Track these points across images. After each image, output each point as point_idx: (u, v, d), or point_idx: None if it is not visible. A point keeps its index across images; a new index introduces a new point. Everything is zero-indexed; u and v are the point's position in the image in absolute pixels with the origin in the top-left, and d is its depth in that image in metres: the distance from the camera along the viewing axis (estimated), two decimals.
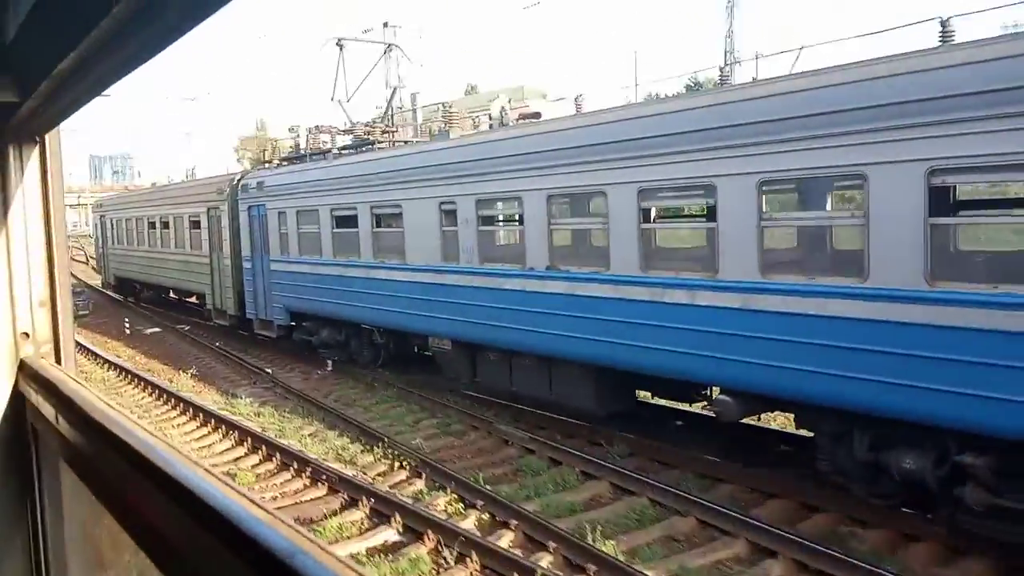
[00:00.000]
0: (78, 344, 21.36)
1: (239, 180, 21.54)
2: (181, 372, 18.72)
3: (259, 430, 13.19)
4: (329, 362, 17.65)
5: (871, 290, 7.81)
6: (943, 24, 9.54)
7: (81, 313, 28.88)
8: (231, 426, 13.44)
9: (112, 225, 34.48)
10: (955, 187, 7.97)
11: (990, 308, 7.00)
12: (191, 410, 14.88)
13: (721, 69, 11.68)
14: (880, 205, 7.65)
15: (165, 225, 27.24)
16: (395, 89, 18.82)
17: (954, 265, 7.84)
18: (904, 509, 8.79)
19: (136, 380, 18.04)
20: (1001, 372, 6.96)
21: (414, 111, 32.45)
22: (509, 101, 12.28)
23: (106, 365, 20.04)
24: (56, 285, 2.50)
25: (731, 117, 9.01)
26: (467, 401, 14.45)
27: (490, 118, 13.89)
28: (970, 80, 6.96)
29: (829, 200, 9.64)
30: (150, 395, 16.84)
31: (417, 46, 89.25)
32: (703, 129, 9.25)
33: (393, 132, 18.61)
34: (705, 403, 11.26)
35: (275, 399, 15.96)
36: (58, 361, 2.48)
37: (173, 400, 15.82)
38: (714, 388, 10.52)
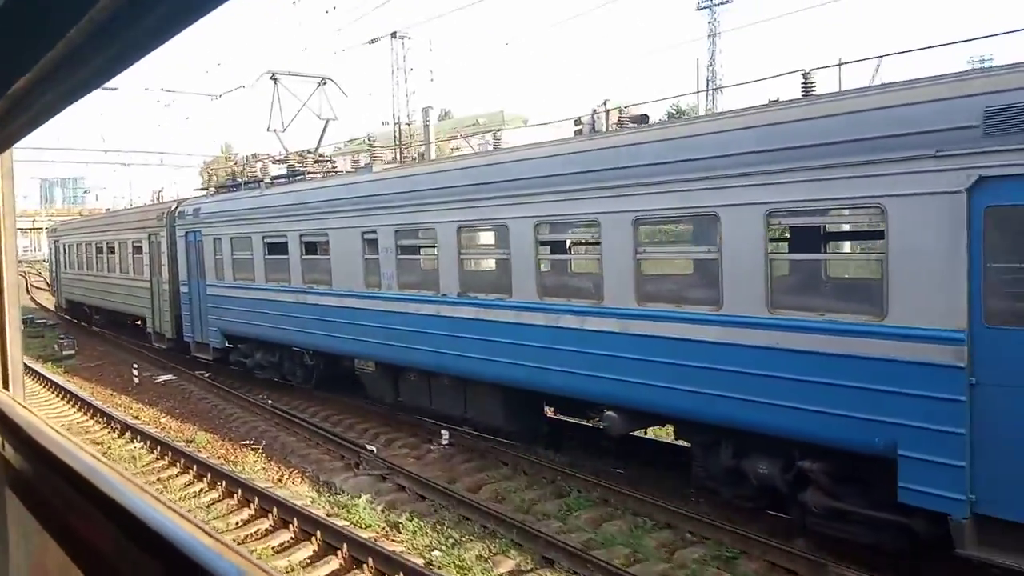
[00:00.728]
0: (82, 401, 18.02)
1: (176, 207, 22.07)
2: (237, 446, 14.19)
3: (420, 563, 8.71)
4: (445, 434, 13.75)
5: (724, 317, 8.83)
6: (804, 76, 10.72)
7: (66, 354, 25.68)
8: (380, 558, 8.77)
9: (64, 250, 35.06)
10: (792, 227, 9.04)
11: (816, 333, 8.05)
12: (294, 521, 10.08)
13: (620, 111, 12.69)
14: (730, 241, 8.68)
15: (111, 250, 27.75)
16: (327, 121, 19.44)
17: (789, 295, 8.89)
18: (770, 512, 9.80)
19: (181, 460, 13.27)
20: (826, 389, 7.99)
21: (426, 126, 32.03)
22: (604, 103, 12.20)
23: (128, 434, 15.30)
24: (5, 308, 2.40)
25: (612, 161, 10.01)
26: (718, 511, 9.99)
27: (577, 122, 13.36)
28: (792, 136, 8.05)
29: (693, 236, 10.67)
30: (211, 487, 12.00)
31: (427, 58, 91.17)
32: (589, 171, 10.23)
33: (325, 162, 19.33)
34: (596, 419, 12.18)
35: (402, 497, 11.48)
36: (5, 386, 2.38)
37: (256, 500, 10.94)
38: None
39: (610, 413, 10.62)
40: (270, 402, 17.58)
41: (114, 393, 19.86)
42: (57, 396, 19.57)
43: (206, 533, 0.96)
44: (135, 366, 22.17)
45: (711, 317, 8.98)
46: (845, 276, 9.84)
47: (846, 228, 10.62)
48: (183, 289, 21.40)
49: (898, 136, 7.25)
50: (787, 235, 9.71)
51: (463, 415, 13.51)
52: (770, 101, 10.45)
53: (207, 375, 21.19)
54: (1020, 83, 6.59)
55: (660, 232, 10.99)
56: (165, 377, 21.79)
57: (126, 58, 1.12)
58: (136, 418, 16.84)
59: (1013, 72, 6.70)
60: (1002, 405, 6.81)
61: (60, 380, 20.68)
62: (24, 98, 1.45)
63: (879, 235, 7.63)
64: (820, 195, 7.95)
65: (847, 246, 11.07)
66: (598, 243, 10.31)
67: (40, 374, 21.33)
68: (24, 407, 1.91)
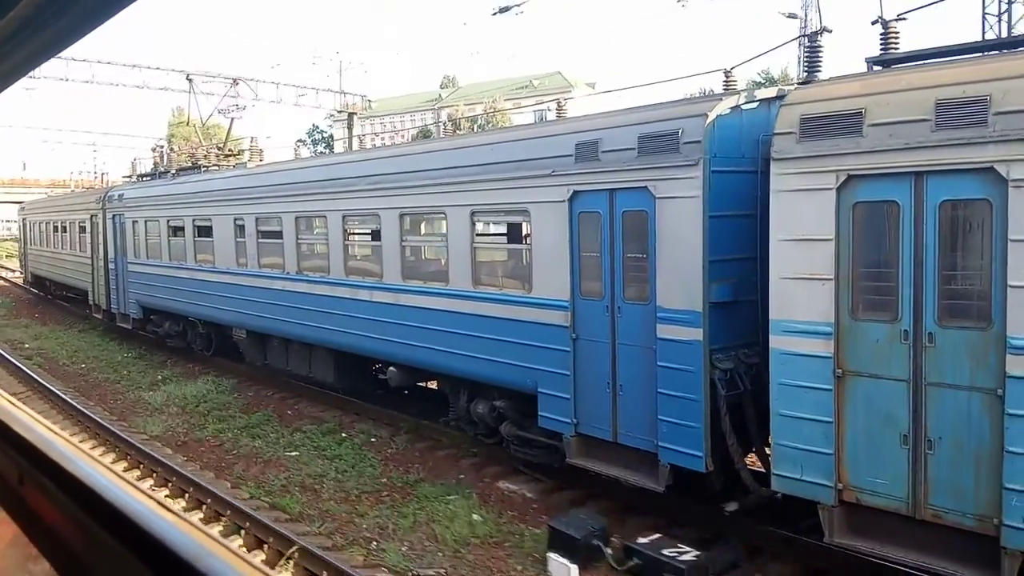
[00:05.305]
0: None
1: (106, 192, 24.75)
2: None
3: None
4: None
5: (449, 291, 11.55)
6: (559, 104, 13.36)
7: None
8: None
9: (30, 226, 37.73)
10: (483, 221, 11.79)
11: (497, 303, 10.78)
12: None
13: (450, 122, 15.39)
14: (452, 233, 11.40)
15: (64, 229, 30.45)
16: (232, 120, 22.10)
17: (484, 274, 11.60)
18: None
19: None
20: (503, 344, 10.72)
21: None
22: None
23: None
24: None
25: (387, 168, 12.74)
26: None
27: None
28: (481, 156, 10.78)
29: (434, 228, 13.38)
30: None
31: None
32: (370, 175, 12.94)
33: (232, 156, 21.99)
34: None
35: None
36: None
37: None
38: None
39: (392, 369, 13.34)
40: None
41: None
42: None
43: (158, 504, 0.94)
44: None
45: (442, 291, 11.71)
46: (520, 262, 12.46)
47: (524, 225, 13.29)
48: (111, 266, 24.11)
49: (535, 159, 9.98)
50: (488, 229, 12.44)
51: (308, 374, 16.20)
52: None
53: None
54: (592, 127, 9.34)
55: (418, 224, 13.65)
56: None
57: (90, 21, 1.14)
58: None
59: (591, 119, 9.44)
60: (585, 353, 9.57)
61: None
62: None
63: (528, 230, 10.34)
64: (500, 200, 10.70)
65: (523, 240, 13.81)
66: (379, 231, 13.01)
67: None
68: None
